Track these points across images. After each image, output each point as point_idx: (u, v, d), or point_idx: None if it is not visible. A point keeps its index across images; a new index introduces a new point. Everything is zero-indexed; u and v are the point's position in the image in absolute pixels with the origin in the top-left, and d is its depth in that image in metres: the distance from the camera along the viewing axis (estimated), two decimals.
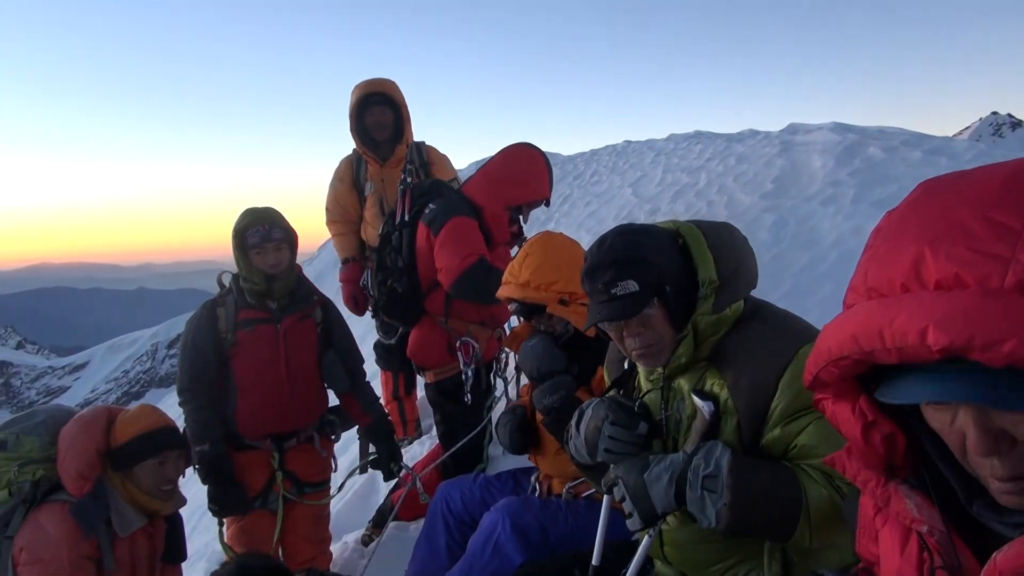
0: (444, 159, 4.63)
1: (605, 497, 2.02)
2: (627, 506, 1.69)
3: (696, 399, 1.69)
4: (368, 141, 4.34)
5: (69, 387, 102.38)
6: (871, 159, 5.70)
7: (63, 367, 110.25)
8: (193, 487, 3.11)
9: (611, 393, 2.02)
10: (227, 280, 3.16)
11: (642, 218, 6.87)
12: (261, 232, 3.00)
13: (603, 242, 1.78)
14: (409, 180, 3.77)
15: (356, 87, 4.35)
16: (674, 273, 1.72)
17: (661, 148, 9.71)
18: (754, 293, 1.85)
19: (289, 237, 3.08)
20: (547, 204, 3.66)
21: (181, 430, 2.96)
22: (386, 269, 3.64)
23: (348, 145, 4.50)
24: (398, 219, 3.61)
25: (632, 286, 1.68)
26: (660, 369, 1.81)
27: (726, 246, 1.77)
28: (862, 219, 4.72)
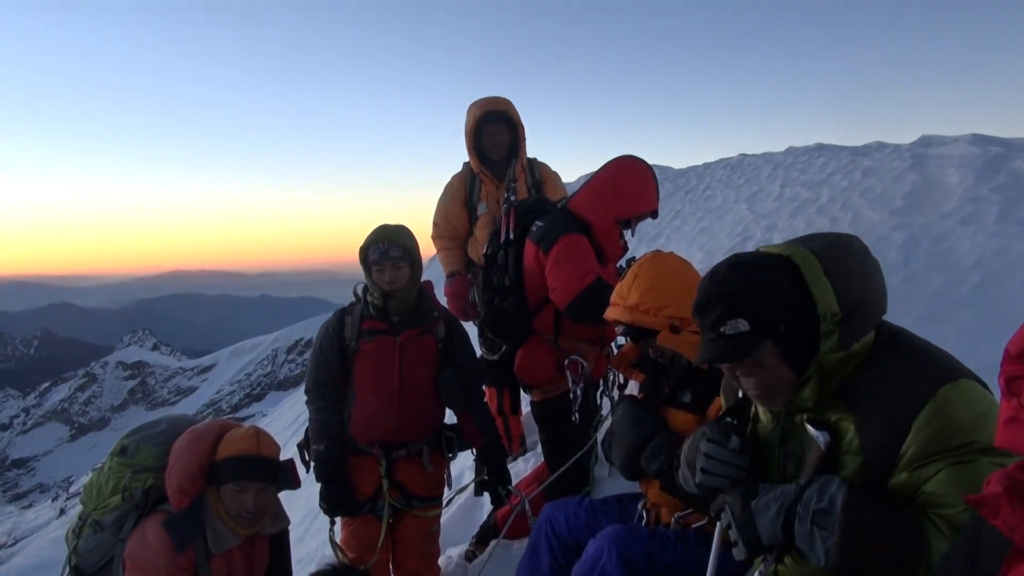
0: (556, 177, 4.60)
1: (717, 529, 1.91)
2: (732, 534, 1.63)
3: (811, 429, 1.59)
4: (485, 160, 4.36)
5: (197, 387, 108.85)
6: (1017, 174, 5.23)
7: (192, 368, 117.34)
8: (308, 488, 3.20)
9: (727, 420, 1.92)
10: (360, 290, 3.27)
11: (758, 234, 6.59)
12: (380, 250, 3.08)
13: (714, 275, 1.67)
14: (513, 198, 3.74)
15: (473, 105, 4.36)
16: (790, 310, 1.58)
17: (779, 161, 9.33)
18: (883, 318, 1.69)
19: (409, 256, 3.14)
20: (654, 216, 3.56)
21: (304, 433, 3.06)
22: (492, 288, 3.62)
23: (453, 162, 4.56)
24: (503, 238, 3.60)
25: (742, 325, 1.58)
26: None
27: (846, 271, 1.61)
28: (1007, 239, 4.33)
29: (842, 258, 1.63)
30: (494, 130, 4.30)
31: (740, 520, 1.60)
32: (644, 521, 2.61)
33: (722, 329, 1.60)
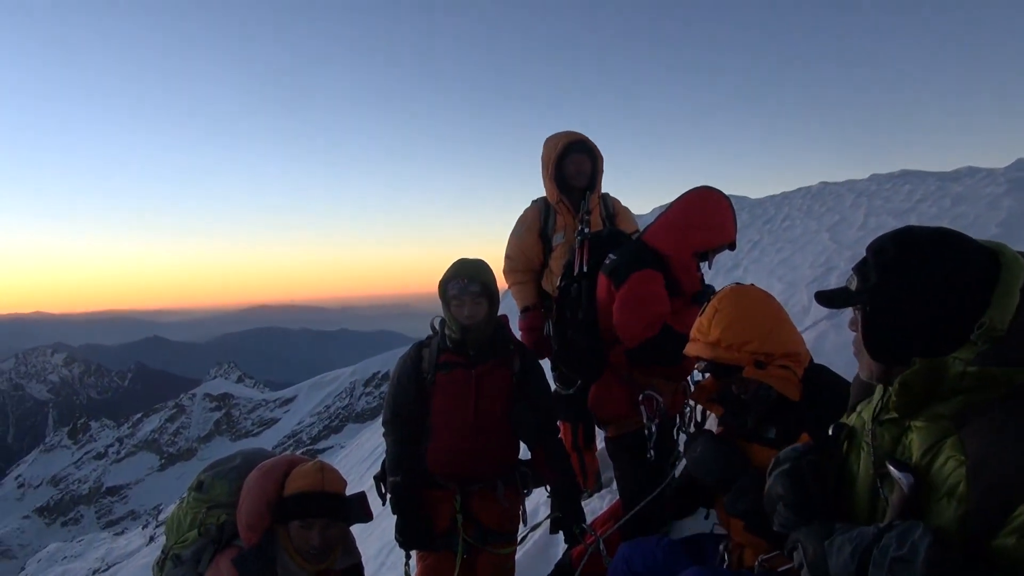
0: (628, 212, 4.57)
1: (803, 573, 1.81)
2: (804, 574, 1.53)
3: (892, 469, 1.45)
4: (565, 189, 4.35)
5: (279, 419, 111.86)
6: None
7: (275, 400, 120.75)
8: (385, 520, 3.21)
9: (811, 456, 1.80)
10: (437, 324, 3.30)
11: (842, 265, 6.37)
12: (460, 285, 3.11)
13: (899, 229, 1.59)
14: (587, 231, 3.71)
15: (555, 137, 4.35)
16: (929, 305, 1.45)
17: (863, 189, 9.04)
18: None
19: (488, 291, 3.16)
20: (732, 248, 3.48)
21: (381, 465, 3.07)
22: (565, 321, 3.58)
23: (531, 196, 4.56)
24: (576, 270, 3.57)
25: (853, 283, 1.55)
26: (868, 420, 1.61)
27: None
28: None
29: None
30: (578, 159, 4.28)
31: (812, 560, 1.51)
32: (726, 563, 2.51)
33: (848, 277, 1.58)
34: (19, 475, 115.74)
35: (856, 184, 9.68)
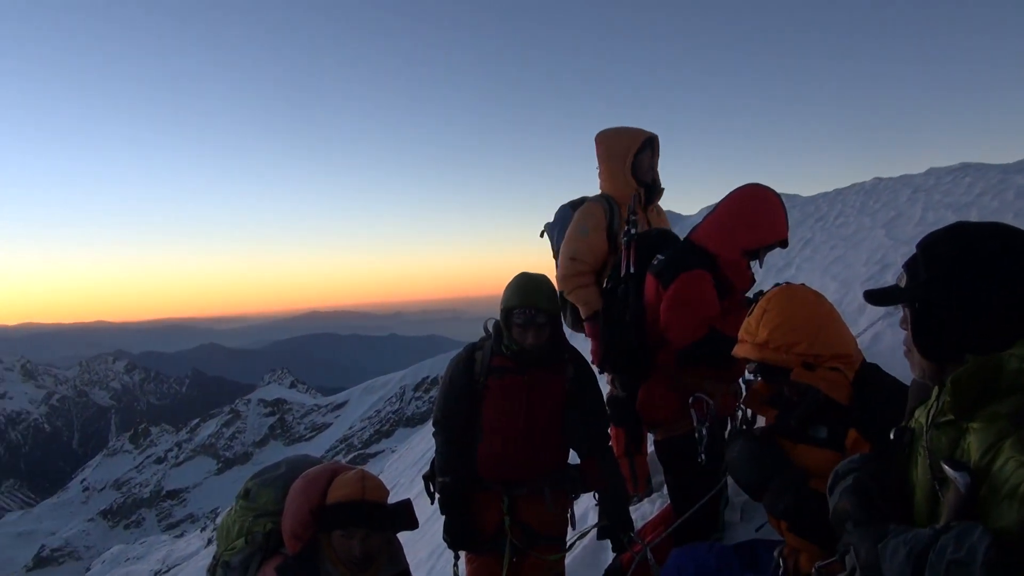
0: (662, 211, 4.48)
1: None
2: None
3: (947, 469, 1.39)
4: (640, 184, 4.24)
5: (331, 424, 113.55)
6: None
7: (326, 405, 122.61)
8: (436, 524, 3.22)
9: (872, 466, 1.74)
10: (491, 327, 3.28)
11: (898, 262, 6.18)
12: (526, 316, 3.08)
13: (952, 225, 1.56)
14: (634, 231, 3.64)
15: (628, 132, 4.24)
16: (981, 301, 1.42)
17: (919, 184, 8.77)
18: None
19: (554, 319, 3.16)
20: (783, 246, 3.40)
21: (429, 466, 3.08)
22: (613, 323, 3.53)
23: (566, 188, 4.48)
24: (623, 271, 3.52)
25: (902, 279, 1.52)
26: (925, 424, 1.55)
27: None
28: None
29: None
30: (649, 154, 4.18)
31: (865, 563, 1.45)
32: (781, 570, 2.44)
33: (898, 275, 1.55)
34: (84, 479, 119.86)
35: (912, 179, 9.40)
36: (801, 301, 2.38)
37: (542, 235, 4.56)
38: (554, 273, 4.23)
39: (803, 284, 2.54)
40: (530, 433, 3.14)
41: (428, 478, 3.31)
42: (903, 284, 1.54)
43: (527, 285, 3.13)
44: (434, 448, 3.33)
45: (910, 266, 1.55)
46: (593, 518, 3.68)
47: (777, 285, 3.14)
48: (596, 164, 4.34)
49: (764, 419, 2.59)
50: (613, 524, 3.22)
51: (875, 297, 1.60)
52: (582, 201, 4.37)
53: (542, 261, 4.66)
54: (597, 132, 4.39)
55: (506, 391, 3.15)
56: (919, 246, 1.55)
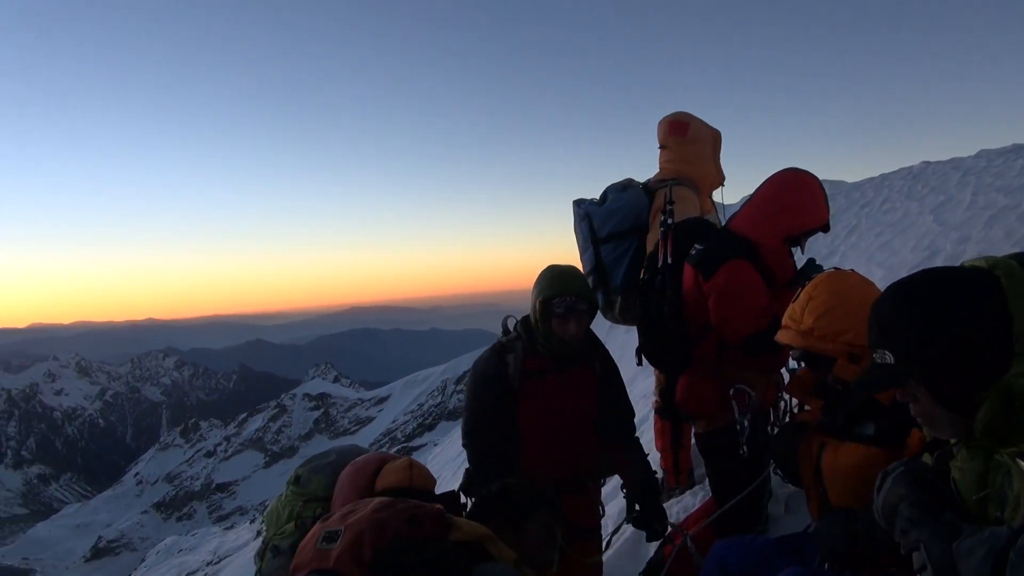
0: (714, 202, 4.39)
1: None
2: None
3: (1021, 463, 1.36)
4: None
5: (374, 417, 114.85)
6: None
7: (370, 399, 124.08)
8: None
9: (925, 458, 1.70)
10: (511, 324, 3.20)
11: (948, 248, 6.01)
12: (568, 304, 3.00)
13: (886, 292, 1.56)
14: (670, 221, 3.58)
15: (703, 123, 4.21)
16: (957, 342, 1.43)
17: (969, 167, 8.51)
18: None
19: (592, 309, 3.10)
20: (825, 230, 3.31)
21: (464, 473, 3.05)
22: (650, 315, 3.47)
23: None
24: (660, 262, 3.46)
25: (887, 358, 1.47)
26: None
27: None
28: None
29: None
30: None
31: (938, 563, 1.39)
32: (828, 565, 2.39)
33: (875, 356, 1.49)
34: (137, 472, 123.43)
35: (962, 162, 9.12)
36: (850, 288, 2.30)
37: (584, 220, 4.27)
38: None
39: (853, 270, 2.46)
40: (573, 432, 3.09)
41: (464, 491, 3.11)
42: (891, 360, 1.50)
43: (564, 274, 3.08)
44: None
45: (884, 342, 1.51)
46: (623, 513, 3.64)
47: (814, 266, 3.04)
48: (656, 146, 4.24)
49: (808, 408, 2.53)
50: (645, 514, 3.18)
51: (868, 386, 1.58)
52: (629, 183, 4.29)
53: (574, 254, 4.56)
54: (671, 115, 4.30)
55: (546, 393, 3.07)
56: (879, 321, 1.53)
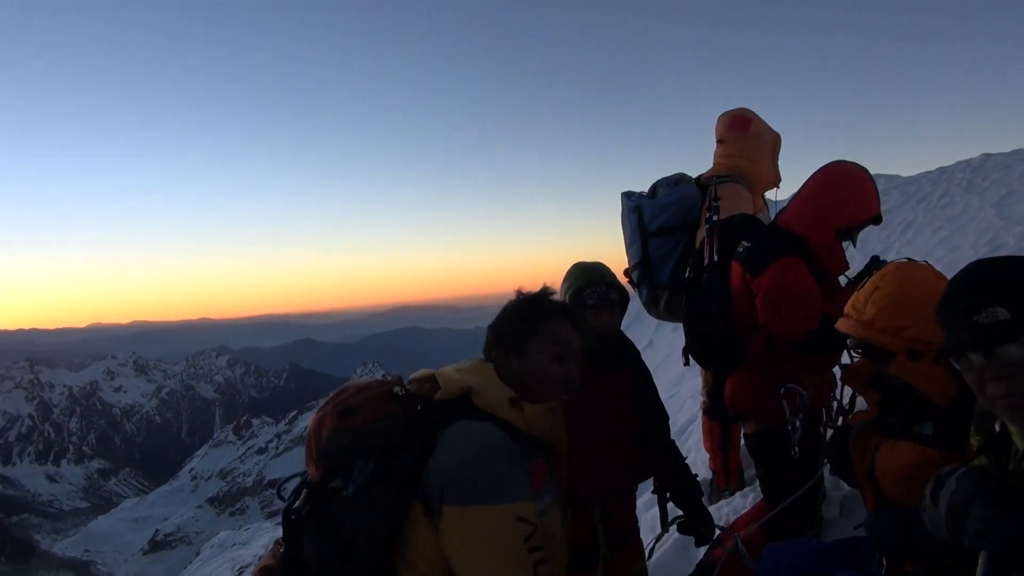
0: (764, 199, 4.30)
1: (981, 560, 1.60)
2: None
3: None
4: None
5: None
6: None
7: None
8: None
9: (978, 460, 1.61)
10: None
11: (1011, 242, 5.79)
12: (599, 294, 2.96)
13: (969, 269, 1.47)
14: (716, 218, 3.49)
15: (765, 123, 4.15)
16: None
17: None
18: None
19: (624, 300, 3.05)
20: (876, 222, 3.20)
21: None
22: (697, 314, 3.41)
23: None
24: (707, 259, 3.39)
25: (1001, 314, 1.35)
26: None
27: None
28: None
29: None
30: None
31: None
32: (884, 569, 2.30)
33: (975, 318, 1.38)
34: (192, 468, 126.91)
35: None
36: (919, 280, 2.19)
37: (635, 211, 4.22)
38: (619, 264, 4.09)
39: (925, 262, 2.35)
40: (615, 438, 3.03)
41: None
42: (1000, 318, 1.37)
43: (592, 267, 3.05)
44: None
45: (1001, 299, 1.39)
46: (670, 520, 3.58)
47: (879, 262, 2.94)
48: (714, 140, 4.20)
49: (865, 401, 2.44)
50: (689, 518, 3.12)
51: (979, 343, 1.41)
52: (681, 178, 4.22)
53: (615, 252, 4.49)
54: (732, 110, 4.26)
55: (585, 400, 3.02)
56: (990, 278, 1.43)
